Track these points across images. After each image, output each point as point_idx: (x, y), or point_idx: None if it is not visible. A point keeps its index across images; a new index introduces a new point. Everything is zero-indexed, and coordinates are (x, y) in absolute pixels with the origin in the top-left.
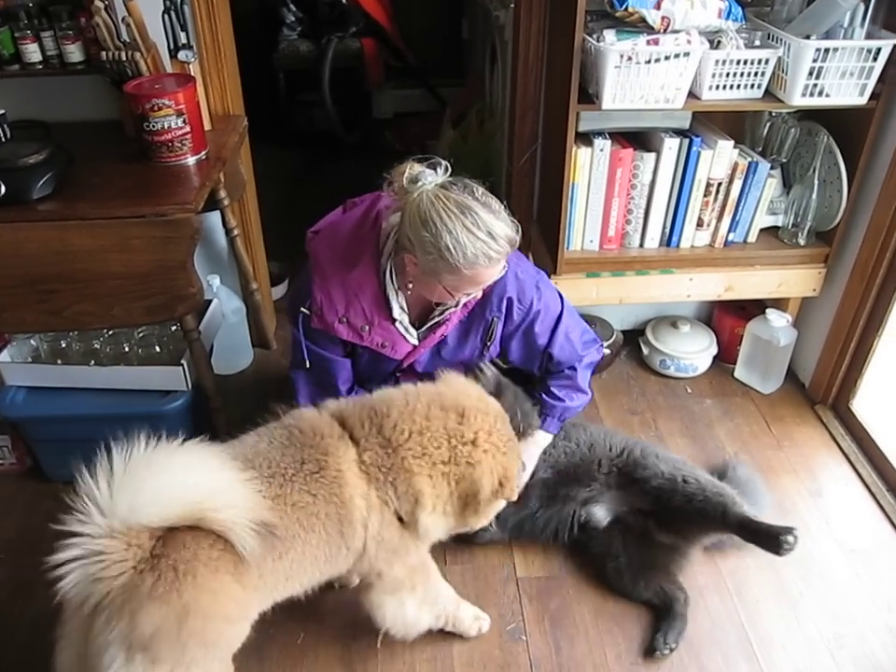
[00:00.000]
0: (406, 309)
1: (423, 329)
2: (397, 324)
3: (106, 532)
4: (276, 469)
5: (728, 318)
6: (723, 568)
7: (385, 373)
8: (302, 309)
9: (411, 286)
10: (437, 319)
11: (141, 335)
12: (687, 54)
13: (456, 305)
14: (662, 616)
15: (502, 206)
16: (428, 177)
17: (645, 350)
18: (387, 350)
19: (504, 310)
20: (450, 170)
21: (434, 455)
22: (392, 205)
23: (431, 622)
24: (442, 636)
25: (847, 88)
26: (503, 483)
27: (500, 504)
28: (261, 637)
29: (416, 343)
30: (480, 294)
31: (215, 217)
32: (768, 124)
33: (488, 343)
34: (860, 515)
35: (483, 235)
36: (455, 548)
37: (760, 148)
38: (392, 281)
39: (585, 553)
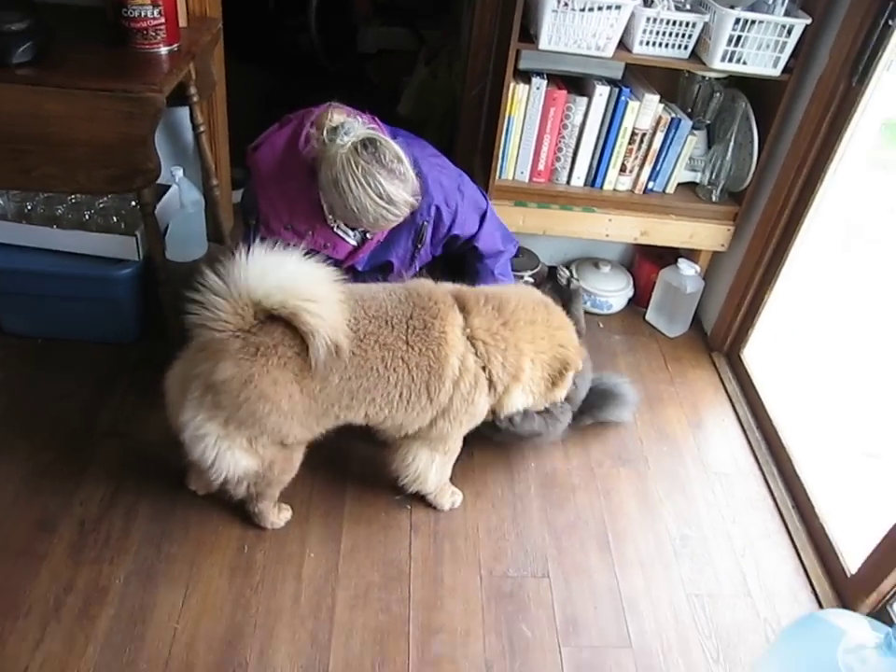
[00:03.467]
0: (337, 222)
1: (357, 231)
2: (335, 228)
3: (223, 294)
4: (382, 314)
5: (646, 265)
6: (598, 474)
7: None
8: (251, 220)
9: None
10: None
11: (101, 206)
12: (619, 7)
13: None
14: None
15: (410, 167)
16: (345, 134)
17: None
18: (329, 250)
19: (433, 215)
20: (366, 123)
21: (538, 343)
22: (315, 135)
23: (434, 484)
24: (335, 492)
25: (762, 58)
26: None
27: (569, 380)
28: None
29: (355, 243)
30: None
31: (183, 112)
32: (698, 87)
33: (419, 246)
34: (729, 446)
35: (384, 202)
36: (362, 429)
37: (689, 110)
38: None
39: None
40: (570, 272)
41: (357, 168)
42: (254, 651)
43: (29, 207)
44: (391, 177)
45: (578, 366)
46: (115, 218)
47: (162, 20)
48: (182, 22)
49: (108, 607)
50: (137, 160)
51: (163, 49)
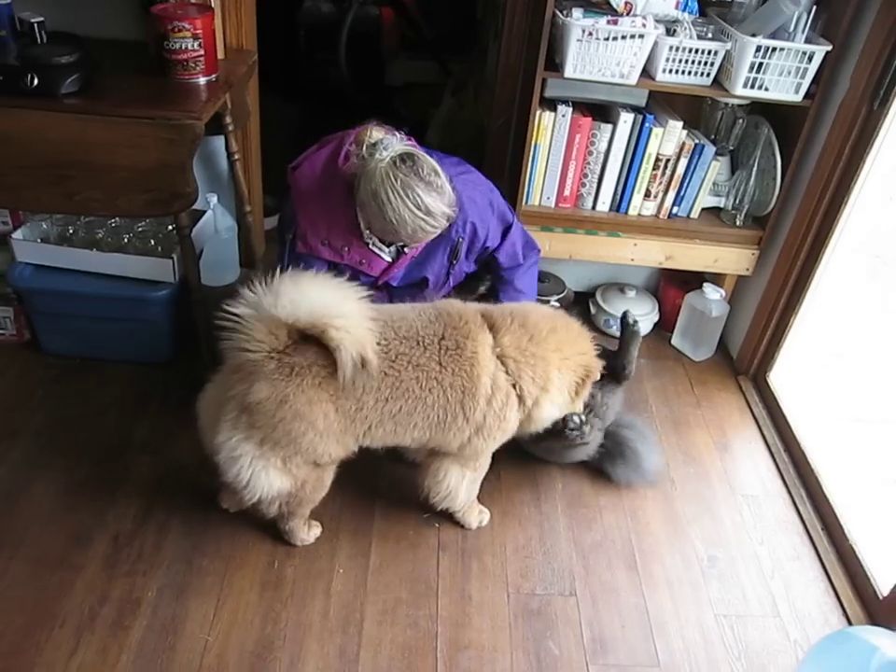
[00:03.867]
0: (372, 239)
1: (393, 247)
2: (370, 245)
3: (256, 317)
4: (413, 334)
5: (672, 290)
6: (624, 496)
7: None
8: (288, 236)
9: None
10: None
11: (140, 230)
12: (641, 36)
13: None
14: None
15: (446, 180)
16: (384, 149)
17: (593, 310)
18: (364, 267)
19: (468, 232)
20: (404, 140)
21: (563, 351)
22: (355, 151)
23: (463, 501)
24: (364, 509)
25: (784, 85)
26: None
27: (588, 389)
28: None
29: (390, 259)
30: None
31: (219, 141)
32: (721, 114)
33: (454, 262)
34: (756, 469)
35: (422, 214)
36: (391, 448)
37: (713, 136)
38: (361, 216)
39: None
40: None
41: (397, 181)
42: (283, 664)
43: (71, 231)
44: (429, 189)
45: (597, 374)
46: (152, 242)
47: (202, 52)
48: (220, 55)
49: (141, 618)
50: (176, 184)
51: (202, 80)
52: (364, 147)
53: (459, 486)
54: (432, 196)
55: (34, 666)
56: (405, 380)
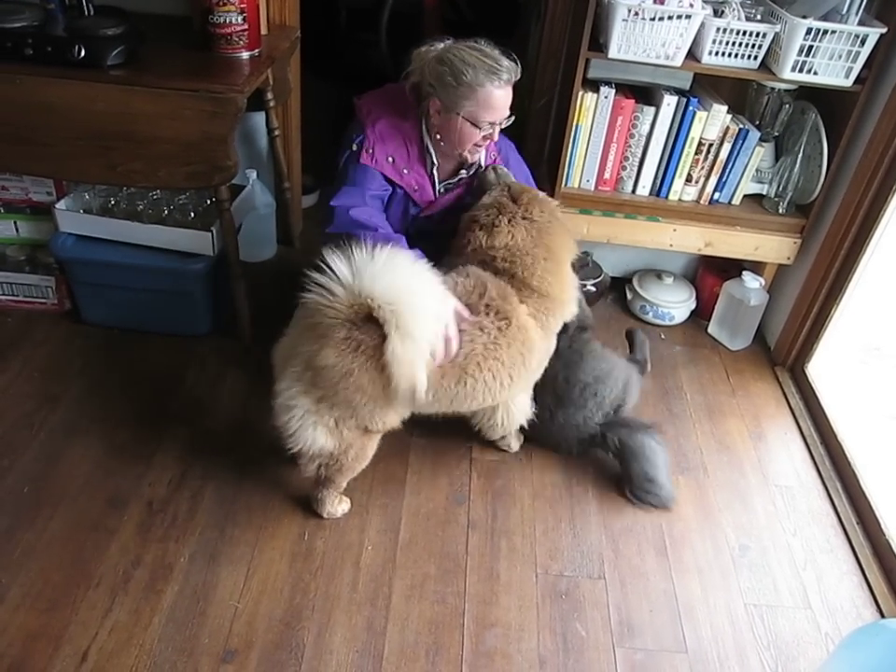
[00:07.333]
0: (438, 164)
1: (446, 182)
2: (431, 171)
3: (346, 289)
4: (476, 321)
5: (710, 278)
6: None
7: (405, 221)
8: (353, 145)
9: (441, 142)
10: (460, 178)
11: (180, 202)
12: (688, 17)
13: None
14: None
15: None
16: (437, 43)
17: (629, 295)
18: (416, 194)
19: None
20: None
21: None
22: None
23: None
24: (395, 486)
25: (834, 69)
26: None
27: None
28: None
29: (439, 195)
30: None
31: (260, 117)
32: (767, 98)
33: None
34: (791, 460)
35: (490, 61)
36: (423, 424)
37: (758, 121)
38: (430, 141)
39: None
40: None
41: (460, 44)
42: (311, 634)
43: (112, 202)
44: (491, 48)
45: None
46: (192, 215)
47: (246, 26)
48: (263, 30)
49: (173, 583)
50: (217, 157)
51: (245, 54)
52: (416, 54)
53: (526, 405)
54: (496, 52)
55: (69, 624)
56: (468, 367)
